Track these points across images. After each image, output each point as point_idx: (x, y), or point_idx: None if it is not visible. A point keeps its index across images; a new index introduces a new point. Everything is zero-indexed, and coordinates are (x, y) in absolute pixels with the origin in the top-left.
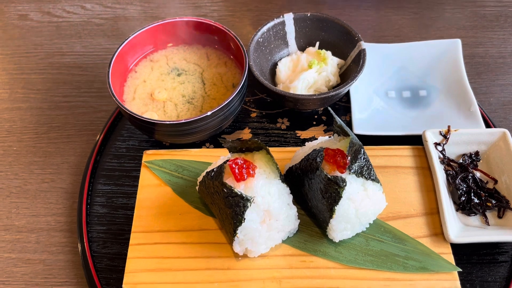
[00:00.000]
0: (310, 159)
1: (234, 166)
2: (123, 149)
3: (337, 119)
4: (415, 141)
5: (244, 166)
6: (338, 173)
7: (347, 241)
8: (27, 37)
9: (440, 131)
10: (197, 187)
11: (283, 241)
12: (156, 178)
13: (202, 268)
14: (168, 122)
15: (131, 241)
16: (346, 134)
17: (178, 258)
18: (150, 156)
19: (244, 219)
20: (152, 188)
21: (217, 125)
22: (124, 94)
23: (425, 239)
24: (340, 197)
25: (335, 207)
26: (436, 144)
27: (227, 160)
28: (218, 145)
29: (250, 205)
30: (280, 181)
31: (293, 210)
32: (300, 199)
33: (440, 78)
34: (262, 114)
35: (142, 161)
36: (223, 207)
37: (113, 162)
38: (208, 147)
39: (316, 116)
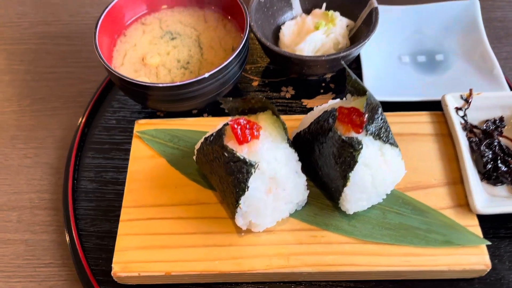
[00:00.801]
0: (321, 121)
1: (236, 126)
2: (113, 121)
3: (352, 74)
4: (433, 108)
5: (248, 126)
6: (353, 134)
7: (361, 214)
8: (10, 6)
9: (461, 95)
10: (194, 157)
11: (291, 215)
12: (149, 149)
13: (200, 245)
14: (162, 85)
15: (121, 217)
16: (361, 93)
17: (173, 235)
18: (142, 125)
19: (248, 187)
20: (144, 159)
21: (215, 90)
22: (113, 60)
23: (448, 211)
24: (355, 162)
25: (350, 174)
26: (457, 109)
27: (228, 123)
28: (216, 114)
29: (255, 171)
30: (288, 145)
31: (302, 178)
32: (309, 168)
33: (458, 41)
34: (264, 82)
35: (134, 131)
36: (224, 175)
37: (102, 135)
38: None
39: (323, 84)
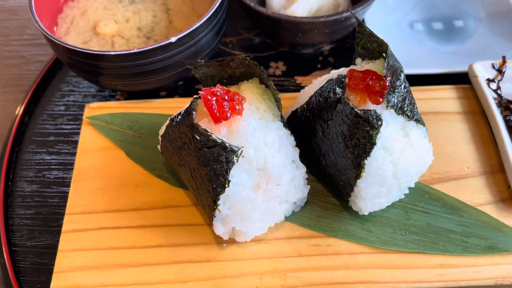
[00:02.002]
0: (325, 91)
1: (210, 98)
2: (61, 107)
3: (365, 27)
4: (455, 82)
5: (226, 97)
6: (370, 106)
7: (378, 215)
8: None
9: (492, 64)
10: (159, 146)
11: (287, 219)
12: (102, 138)
13: (168, 262)
14: (115, 53)
15: (64, 227)
16: (377, 53)
17: (133, 249)
18: (94, 109)
19: (229, 181)
20: (96, 152)
21: (185, 64)
22: (58, 28)
23: (488, 207)
24: (372, 144)
25: (365, 161)
26: (489, 80)
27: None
28: (188, 94)
29: (237, 160)
30: (282, 125)
31: (301, 170)
32: (309, 157)
33: (480, 4)
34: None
35: (83, 117)
36: (196, 167)
37: (46, 124)
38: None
39: (320, 58)
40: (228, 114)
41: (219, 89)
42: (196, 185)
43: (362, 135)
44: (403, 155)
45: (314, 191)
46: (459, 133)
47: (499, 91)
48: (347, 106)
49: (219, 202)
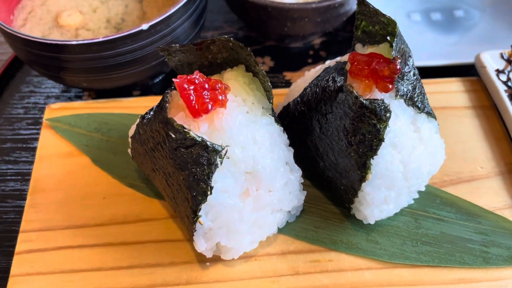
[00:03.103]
0: (322, 81)
1: (187, 86)
2: (19, 110)
3: (367, 3)
4: (459, 74)
5: (207, 86)
6: (378, 95)
7: (385, 223)
8: None
9: (501, 53)
10: (129, 150)
11: (280, 231)
12: (65, 143)
13: (142, 286)
14: (78, 43)
15: (17, 247)
16: (380, 37)
17: (100, 271)
18: (56, 111)
19: (211, 187)
20: (58, 159)
21: (160, 56)
22: (14, 19)
23: (508, 212)
24: (380, 139)
25: (371, 160)
26: (498, 71)
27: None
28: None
29: (221, 161)
30: (273, 119)
31: (296, 173)
32: (304, 158)
33: None
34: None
35: (43, 119)
36: (172, 172)
37: (3, 130)
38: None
39: (311, 52)
40: (209, 106)
41: (197, 77)
42: (173, 194)
43: (368, 129)
44: (413, 153)
45: (310, 197)
46: (470, 130)
47: (509, 83)
48: (350, 95)
49: (200, 213)
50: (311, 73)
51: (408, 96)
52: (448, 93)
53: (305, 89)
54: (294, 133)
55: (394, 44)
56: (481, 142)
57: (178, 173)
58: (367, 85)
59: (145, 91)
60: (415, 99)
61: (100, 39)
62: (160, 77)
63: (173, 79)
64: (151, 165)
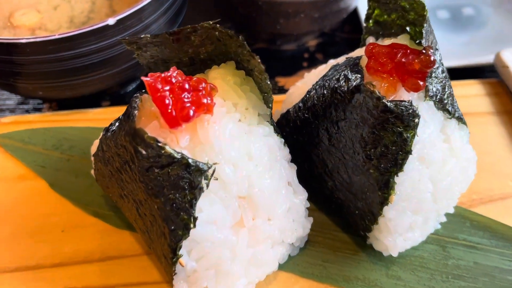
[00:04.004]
0: (331, 80)
1: (161, 87)
2: None
3: None
4: (472, 75)
5: (187, 86)
6: (404, 95)
7: (407, 254)
8: None
9: None
10: (92, 171)
11: (282, 266)
12: (16, 164)
13: None
14: (29, 41)
15: None
16: (396, 28)
17: None
18: (8, 125)
19: (195, 218)
20: (6, 184)
21: (133, 58)
22: None
23: None
24: (407, 152)
25: (395, 178)
26: None
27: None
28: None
29: (208, 184)
30: (272, 128)
31: (301, 195)
32: (307, 176)
33: None
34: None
35: None
36: (144, 199)
37: None
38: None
39: (306, 55)
40: (191, 112)
41: (174, 74)
42: (146, 227)
43: (392, 139)
44: (444, 168)
45: (316, 224)
46: (496, 139)
47: None
48: (370, 96)
49: (181, 252)
50: (314, 74)
51: (438, 97)
52: (467, 97)
53: (309, 92)
54: (296, 146)
55: (423, 31)
56: (510, 153)
57: (151, 200)
58: (391, 83)
59: (116, 102)
60: (445, 101)
61: (56, 36)
62: (134, 85)
63: (143, 78)
64: (118, 190)
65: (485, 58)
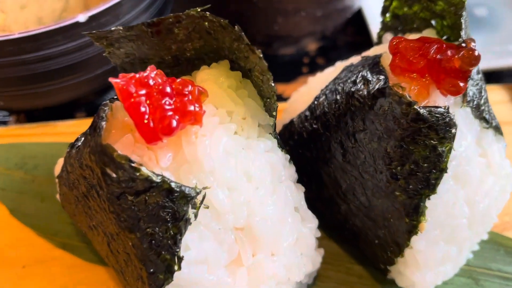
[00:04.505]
0: (346, 83)
1: (134, 91)
2: None
3: None
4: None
5: (168, 89)
6: (437, 100)
7: None
8: None
9: None
10: (57, 195)
11: None
12: None
13: None
14: None
15: None
16: (419, 21)
17: None
18: None
19: (180, 259)
20: None
21: (107, 61)
22: None
23: None
24: (441, 169)
25: (425, 202)
26: None
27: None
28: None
29: (196, 214)
30: (275, 142)
31: (310, 223)
32: (315, 199)
33: None
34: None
35: None
36: (116, 232)
37: None
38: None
39: (306, 60)
40: (174, 123)
41: (152, 75)
42: (120, 266)
43: (424, 154)
44: (481, 188)
45: (325, 255)
46: None
47: None
48: (398, 101)
49: None
50: (320, 78)
51: (475, 103)
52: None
53: (317, 98)
54: (302, 163)
55: (462, 20)
56: None
57: (124, 235)
58: (423, 86)
59: (93, 112)
60: (482, 108)
61: (17, 35)
62: (114, 94)
63: (111, 79)
64: (86, 219)
65: (504, 61)
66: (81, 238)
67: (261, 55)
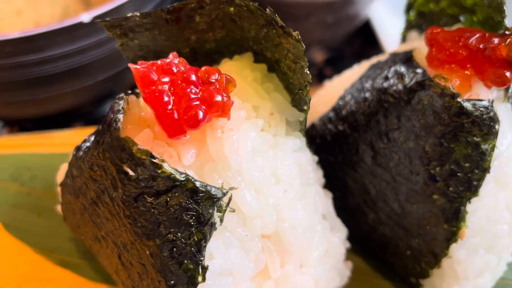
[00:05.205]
0: (376, 79)
1: (156, 78)
2: None
3: None
4: None
5: (193, 77)
6: (482, 91)
7: None
8: None
9: None
10: (59, 206)
11: None
12: None
13: None
14: None
15: None
16: (446, 17)
17: None
18: None
19: (204, 268)
20: None
21: (112, 65)
22: None
23: None
24: (484, 169)
25: (466, 206)
26: None
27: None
28: None
29: (222, 218)
30: (304, 141)
31: (339, 231)
32: (339, 208)
33: None
34: None
35: None
36: (131, 241)
37: None
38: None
39: (314, 71)
40: (200, 114)
41: (176, 61)
42: (132, 281)
43: (466, 152)
44: None
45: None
46: None
47: None
48: (440, 94)
49: None
50: (339, 80)
51: None
52: None
53: (341, 98)
54: (324, 169)
55: (505, 7)
56: None
57: (141, 243)
58: (465, 78)
59: (90, 120)
60: None
61: (16, 35)
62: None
63: (130, 65)
64: (93, 230)
65: None
66: (82, 255)
67: (299, 37)
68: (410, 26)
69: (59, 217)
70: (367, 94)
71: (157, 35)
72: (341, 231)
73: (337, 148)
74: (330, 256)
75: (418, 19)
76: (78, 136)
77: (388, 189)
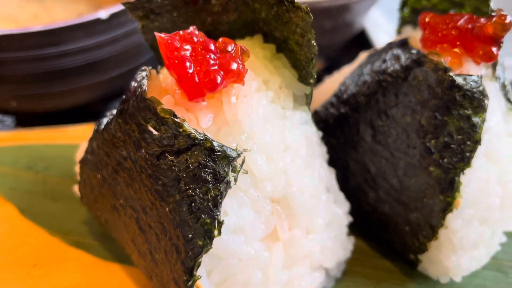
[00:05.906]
0: (375, 63)
1: (179, 45)
2: None
3: None
4: None
5: (212, 47)
6: (471, 67)
7: (465, 283)
8: None
9: None
10: (75, 187)
11: None
12: None
13: None
14: (3, 33)
15: None
16: (439, 12)
17: None
18: None
19: (220, 223)
20: None
21: (126, 61)
22: None
23: None
24: (476, 141)
25: (460, 177)
26: None
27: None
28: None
29: (236, 178)
30: (309, 115)
31: (342, 205)
32: (341, 190)
33: None
34: None
35: None
36: (150, 202)
37: None
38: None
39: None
40: (218, 79)
41: (196, 32)
42: (149, 245)
43: (458, 125)
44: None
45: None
46: None
47: None
48: (434, 69)
49: (198, 273)
50: (337, 76)
51: (501, 81)
52: None
53: (343, 84)
54: (327, 152)
55: None
56: None
57: (161, 202)
58: (455, 56)
59: (101, 114)
60: (507, 89)
61: (37, 29)
62: None
63: (156, 33)
64: (112, 200)
65: None
66: (95, 236)
67: (308, 9)
68: (404, 22)
69: (74, 202)
70: (367, 77)
71: (176, 17)
72: (344, 205)
73: (339, 130)
74: (335, 225)
75: (412, 16)
76: (90, 130)
77: (387, 165)
